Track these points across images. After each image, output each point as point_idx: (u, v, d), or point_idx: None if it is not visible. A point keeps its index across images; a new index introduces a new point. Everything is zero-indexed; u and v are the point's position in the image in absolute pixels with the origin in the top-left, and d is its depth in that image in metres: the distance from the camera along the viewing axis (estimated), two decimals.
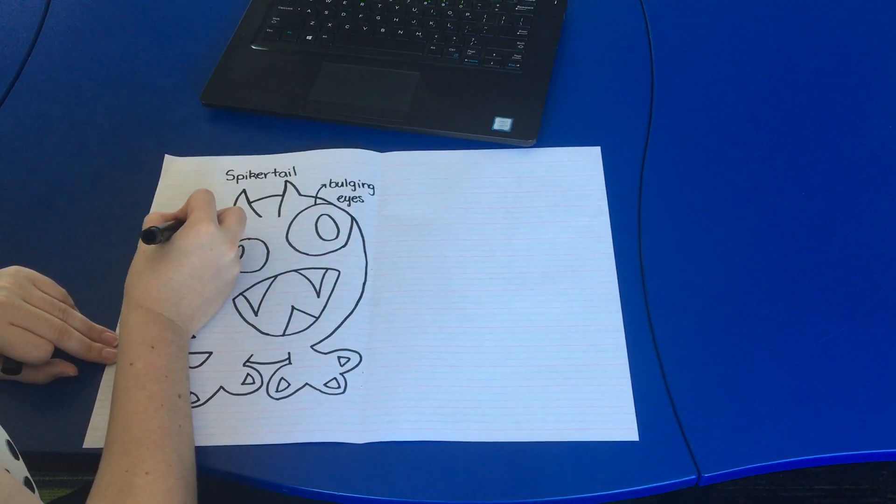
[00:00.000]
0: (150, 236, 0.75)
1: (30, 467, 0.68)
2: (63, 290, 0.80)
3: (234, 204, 0.89)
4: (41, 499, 0.64)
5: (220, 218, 0.81)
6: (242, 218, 0.83)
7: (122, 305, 0.77)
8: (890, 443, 0.73)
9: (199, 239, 0.76)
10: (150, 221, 0.78)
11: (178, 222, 0.79)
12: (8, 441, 0.66)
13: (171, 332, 0.75)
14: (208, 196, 0.80)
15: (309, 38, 1.02)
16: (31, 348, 0.74)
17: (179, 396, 0.73)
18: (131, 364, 0.72)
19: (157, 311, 0.75)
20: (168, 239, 0.77)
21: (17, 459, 0.66)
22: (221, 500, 0.83)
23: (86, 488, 0.91)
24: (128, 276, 0.78)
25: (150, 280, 0.76)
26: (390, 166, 0.91)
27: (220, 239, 0.78)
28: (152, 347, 0.73)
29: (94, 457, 0.75)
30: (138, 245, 0.79)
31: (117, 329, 0.80)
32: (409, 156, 0.92)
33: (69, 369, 0.77)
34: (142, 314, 0.75)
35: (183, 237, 0.77)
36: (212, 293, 0.79)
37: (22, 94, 1.01)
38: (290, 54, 1.01)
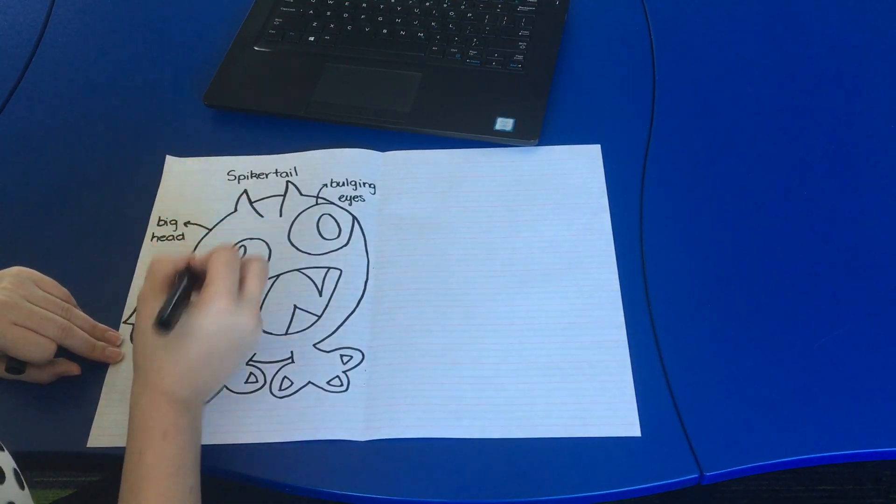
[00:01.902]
0: (165, 325, 0.67)
1: (33, 467, 0.68)
2: (65, 291, 0.80)
3: (236, 204, 0.89)
4: (44, 500, 0.64)
5: (241, 275, 0.72)
6: (264, 274, 0.75)
7: (133, 379, 0.71)
8: (893, 442, 0.73)
9: (217, 320, 0.69)
10: (157, 265, 0.71)
11: (189, 283, 0.71)
12: (15, 469, 0.65)
13: (186, 415, 0.70)
14: (229, 257, 0.71)
15: (311, 39, 1.02)
16: (34, 347, 0.75)
17: (190, 490, 0.68)
18: (140, 454, 0.67)
19: (171, 394, 0.69)
20: (184, 308, 0.69)
21: (23, 489, 0.65)
22: (224, 500, 0.83)
23: (88, 489, 0.91)
24: (136, 346, 0.71)
25: (163, 360, 0.69)
26: (391, 165, 0.92)
27: (238, 314, 0.70)
28: (164, 436, 0.68)
29: (98, 456, 0.75)
30: (139, 303, 0.72)
31: (120, 337, 0.80)
32: (410, 155, 0.92)
33: (72, 368, 0.77)
34: (154, 398, 0.69)
35: (199, 315, 0.69)
36: (231, 364, 0.74)
37: (25, 96, 1.01)
38: (293, 55, 1.01)
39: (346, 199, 0.89)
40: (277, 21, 1.04)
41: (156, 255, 0.73)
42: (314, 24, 1.03)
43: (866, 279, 0.82)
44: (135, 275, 0.85)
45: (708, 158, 0.91)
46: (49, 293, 0.78)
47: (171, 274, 0.71)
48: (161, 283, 0.71)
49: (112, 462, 0.76)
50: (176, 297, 0.69)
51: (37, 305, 0.76)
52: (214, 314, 0.69)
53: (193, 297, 0.71)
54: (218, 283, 0.69)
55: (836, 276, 0.82)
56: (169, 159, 0.93)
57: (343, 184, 0.90)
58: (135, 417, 0.69)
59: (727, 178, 0.89)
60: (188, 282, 0.71)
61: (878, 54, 1.00)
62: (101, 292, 0.83)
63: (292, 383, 0.77)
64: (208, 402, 0.76)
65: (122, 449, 0.74)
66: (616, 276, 0.82)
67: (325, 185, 0.90)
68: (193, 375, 0.70)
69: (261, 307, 0.81)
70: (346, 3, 1.05)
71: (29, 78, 1.03)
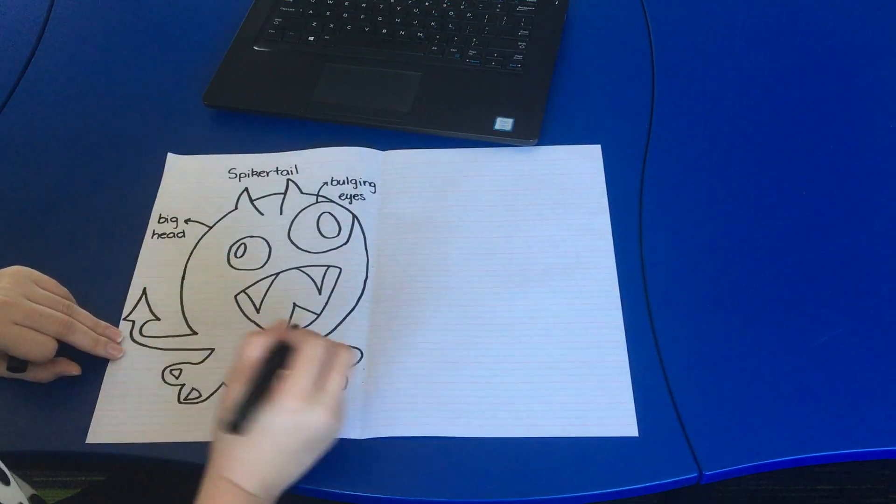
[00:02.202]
0: (234, 429, 0.65)
1: (34, 467, 0.68)
2: (65, 290, 0.80)
3: (237, 202, 0.89)
4: (45, 499, 0.64)
5: (328, 364, 0.69)
6: (349, 368, 0.71)
7: (207, 463, 0.69)
8: (892, 442, 0.73)
9: (288, 419, 0.67)
10: (247, 347, 0.69)
11: (279, 359, 0.68)
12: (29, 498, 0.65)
13: None
14: (315, 353, 0.69)
15: (311, 38, 1.02)
16: (34, 346, 0.75)
17: None
18: None
19: (235, 482, 0.67)
20: (263, 399, 0.67)
21: None
22: None
23: (90, 489, 0.90)
24: (215, 429, 0.69)
25: (233, 448, 0.67)
26: (391, 164, 0.92)
27: (310, 413, 0.67)
28: None
29: (98, 454, 0.75)
30: (227, 380, 0.70)
31: None
32: (410, 154, 0.92)
33: (73, 368, 0.78)
34: (218, 483, 0.67)
35: (271, 412, 0.66)
36: (303, 462, 0.70)
37: (25, 95, 1.01)
38: (293, 55, 1.01)
39: (347, 197, 0.89)
40: (277, 21, 1.04)
41: (250, 333, 0.70)
42: (314, 24, 1.04)
43: (865, 279, 0.82)
44: (135, 272, 0.85)
45: (707, 158, 0.91)
46: (49, 291, 0.78)
47: (259, 358, 0.69)
48: (248, 367, 0.68)
49: (113, 460, 0.76)
50: (253, 392, 0.66)
51: (37, 303, 0.76)
52: (283, 413, 0.67)
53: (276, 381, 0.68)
54: (292, 381, 0.67)
55: (835, 276, 0.82)
56: (170, 157, 0.93)
57: (343, 182, 0.90)
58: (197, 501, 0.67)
59: (726, 178, 0.89)
60: (276, 361, 0.68)
61: (878, 54, 1.00)
62: (101, 291, 0.83)
63: None
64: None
65: (122, 446, 0.74)
66: (615, 277, 0.82)
67: (326, 183, 0.90)
68: (262, 469, 0.67)
69: (260, 304, 0.81)
70: (346, 3, 1.06)
71: (29, 78, 1.03)
